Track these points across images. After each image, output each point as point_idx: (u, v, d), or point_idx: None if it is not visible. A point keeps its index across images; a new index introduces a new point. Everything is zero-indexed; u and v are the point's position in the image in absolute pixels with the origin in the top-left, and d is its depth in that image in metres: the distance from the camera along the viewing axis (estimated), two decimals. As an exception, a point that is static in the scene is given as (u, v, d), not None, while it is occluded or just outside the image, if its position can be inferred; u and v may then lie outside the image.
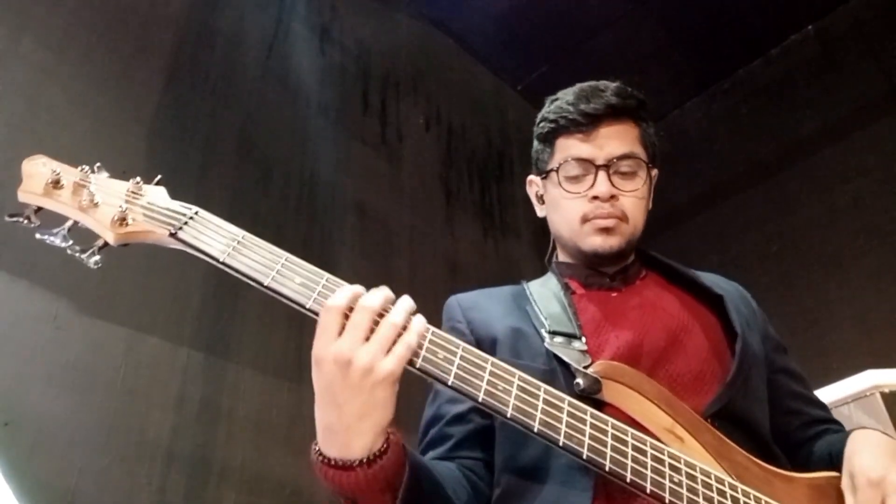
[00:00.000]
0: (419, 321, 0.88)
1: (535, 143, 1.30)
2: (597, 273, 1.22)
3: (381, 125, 3.16)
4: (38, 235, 0.93)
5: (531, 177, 1.32)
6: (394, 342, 0.84)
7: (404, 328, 0.86)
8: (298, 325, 2.33)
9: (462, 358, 0.89)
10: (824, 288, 3.01)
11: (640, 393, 1.00)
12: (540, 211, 1.31)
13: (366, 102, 3.15)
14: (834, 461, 1.03)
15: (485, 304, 1.21)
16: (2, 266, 1.77)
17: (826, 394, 1.99)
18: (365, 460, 0.82)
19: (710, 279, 1.25)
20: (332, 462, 0.83)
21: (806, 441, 1.18)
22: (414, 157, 3.26)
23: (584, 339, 1.07)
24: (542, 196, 1.29)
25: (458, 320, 1.19)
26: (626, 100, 1.21)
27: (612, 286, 1.21)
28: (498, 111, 3.90)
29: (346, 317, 0.84)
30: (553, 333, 1.08)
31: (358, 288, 0.88)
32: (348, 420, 0.82)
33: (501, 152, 3.74)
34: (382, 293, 0.88)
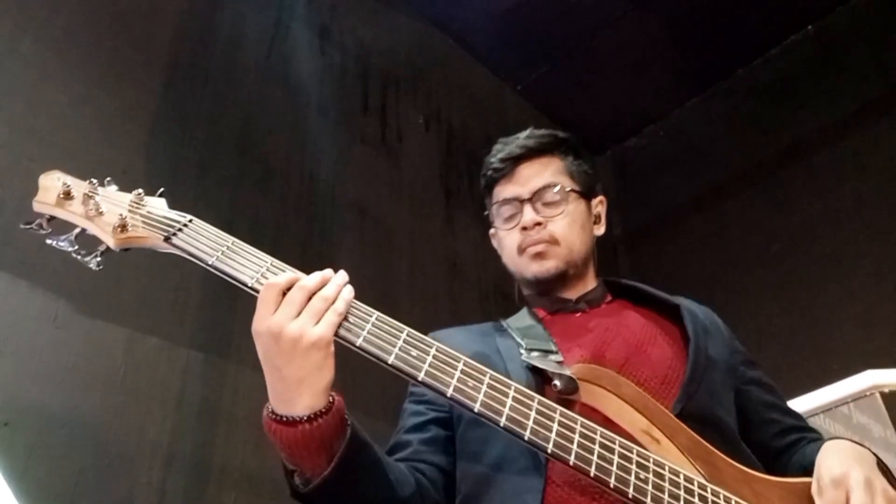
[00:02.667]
0: (348, 290, 0.96)
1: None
2: (560, 299, 1.29)
3: (381, 125, 3.16)
4: (48, 241, 1.03)
5: (491, 229, 1.41)
6: (324, 312, 0.92)
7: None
8: (298, 325, 2.33)
9: (435, 356, 0.93)
10: (824, 288, 3.01)
11: (616, 395, 1.02)
12: (502, 256, 1.38)
13: (366, 102, 3.14)
14: (807, 471, 1.06)
15: (455, 336, 1.28)
16: (2, 266, 1.77)
17: (826, 394, 1.99)
18: (306, 418, 0.89)
19: (675, 299, 1.30)
20: (278, 417, 0.90)
21: (783, 450, 1.21)
22: (414, 157, 3.25)
23: (560, 354, 1.12)
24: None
25: None
26: (539, 138, 1.34)
27: (575, 308, 1.28)
28: (498, 111, 3.90)
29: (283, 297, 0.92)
30: (530, 350, 1.14)
31: (301, 274, 0.96)
32: (288, 382, 0.89)
33: (501, 152, 3.73)
34: (321, 274, 0.96)
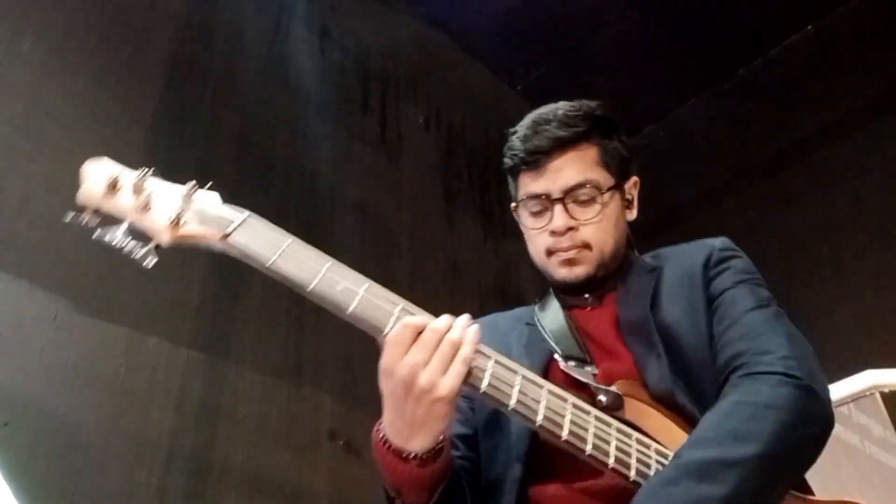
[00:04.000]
0: (472, 331, 0.94)
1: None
2: (574, 296, 1.23)
3: (380, 125, 3.16)
4: (95, 235, 0.96)
5: (514, 203, 1.32)
6: (452, 357, 0.91)
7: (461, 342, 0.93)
8: (298, 324, 2.33)
9: (494, 368, 0.94)
10: (824, 288, 3.01)
11: (658, 411, 1.01)
12: (528, 247, 1.31)
13: (366, 102, 3.15)
14: None
15: (488, 334, 1.26)
16: (2, 266, 1.77)
17: (826, 394, 1.99)
18: (419, 458, 0.92)
19: (669, 254, 1.23)
20: (392, 448, 0.93)
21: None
22: (414, 157, 3.25)
23: (594, 366, 1.09)
24: None
25: None
26: (573, 127, 1.19)
27: (586, 303, 1.22)
28: (498, 111, 3.90)
29: (416, 338, 0.92)
30: (567, 358, 1.11)
31: (430, 316, 0.96)
32: (409, 424, 0.92)
33: (501, 152, 3.73)
34: (447, 317, 0.95)
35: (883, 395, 1.92)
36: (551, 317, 1.22)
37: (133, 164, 2.17)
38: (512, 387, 0.93)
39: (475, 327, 0.95)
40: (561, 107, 1.24)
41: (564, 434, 0.91)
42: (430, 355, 0.90)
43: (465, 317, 0.96)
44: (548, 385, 0.95)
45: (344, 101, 3.03)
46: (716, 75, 3.87)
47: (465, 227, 3.32)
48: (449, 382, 0.90)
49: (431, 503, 0.96)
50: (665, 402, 1.03)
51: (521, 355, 1.15)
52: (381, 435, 0.95)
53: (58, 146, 1.98)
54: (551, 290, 1.28)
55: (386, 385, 0.92)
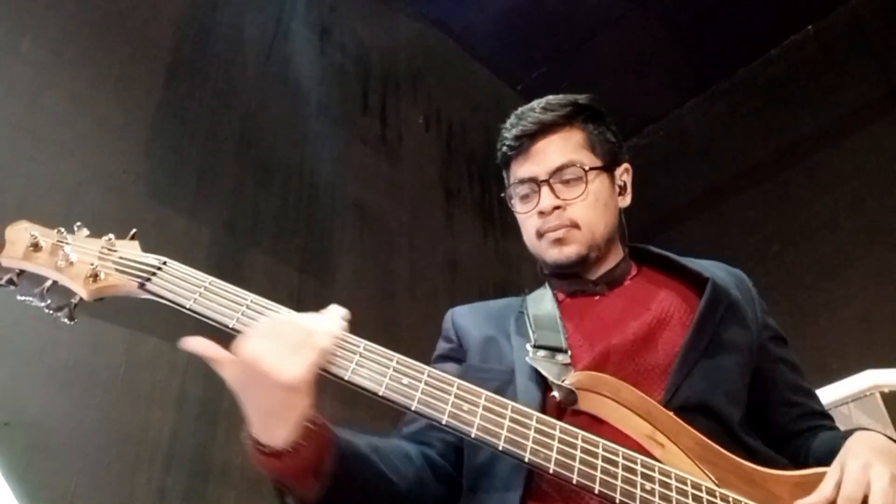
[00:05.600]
0: (334, 320, 0.91)
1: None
2: (580, 280, 1.23)
3: (381, 125, 3.16)
4: (19, 297, 1.00)
5: (504, 194, 1.34)
6: (304, 345, 0.87)
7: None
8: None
9: (427, 382, 0.91)
10: (824, 288, 3.01)
11: (617, 402, 1.00)
12: (522, 234, 1.33)
13: (366, 102, 3.15)
14: (822, 462, 1.03)
15: (472, 315, 1.28)
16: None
17: (826, 394, 1.99)
18: (288, 449, 0.87)
19: (705, 266, 1.26)
20: (261, 447, 0.88)
21: (801, 432, 1.17)
22: (414, 157, 3.25)
23: (569, 353, 1.09)
24: None
25: (447, 328, 1.28)
26: (555, 111, 1.23)
27: (594, 291, 1.22)
28: (498, 111, 3.90)
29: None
30: (538, 347, 1.11)
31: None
32: (262, 416, 0.87)
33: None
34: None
35: (883, 395, 1.91)
36: (540, 305, 1.22)
37: (133, 164, 2.17)
38: (384, 376, 0.90)
39: (336, 320, 0.92)
40: (548, 97, 1.28)
41: (474, 431, 0.89)
42: (280, 343, 0.86)
43: (333, 307, 0.93)
44: (459, 381, 0.92)
45: (344, 101, 3.04)
46: (716, 75, 3.88)
47: (465, 227, 3.32)
48: (295, 366, 0.85)
49: (322, 488, 0.90)
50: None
51: (518, 348, 1.14)
52: (249, 436, 0.90)
53: (58, 146, 1.98)
54: (546, 282, 1.28)
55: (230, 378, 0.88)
